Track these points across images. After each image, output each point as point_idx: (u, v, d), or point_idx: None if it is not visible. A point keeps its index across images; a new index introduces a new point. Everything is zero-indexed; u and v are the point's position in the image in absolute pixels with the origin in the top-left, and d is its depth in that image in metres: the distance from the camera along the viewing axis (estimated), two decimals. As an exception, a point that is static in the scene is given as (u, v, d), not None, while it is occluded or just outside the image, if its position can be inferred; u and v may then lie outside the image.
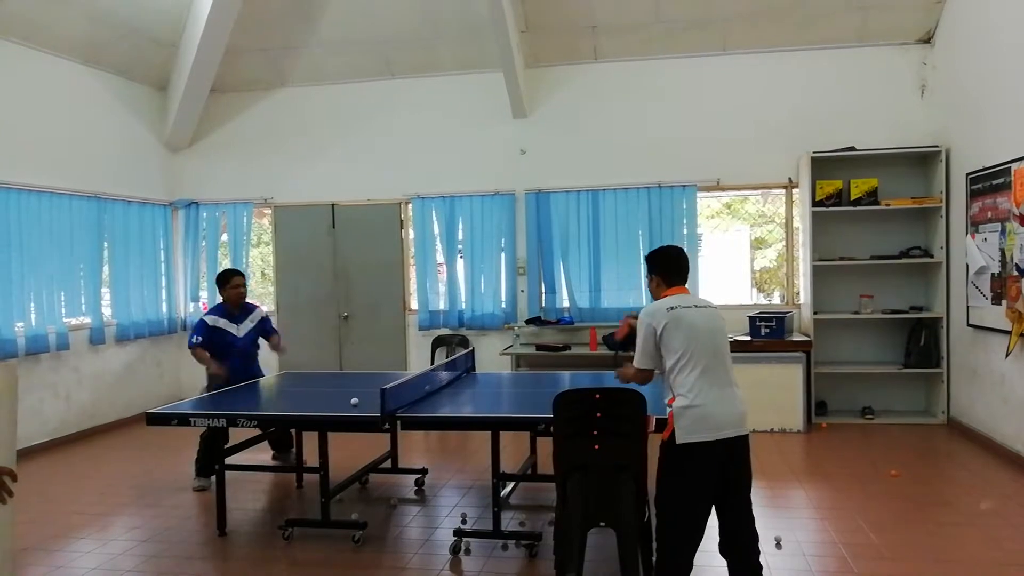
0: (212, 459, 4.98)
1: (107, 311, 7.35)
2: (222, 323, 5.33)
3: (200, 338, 5.24)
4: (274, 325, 5.80)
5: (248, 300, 5.58)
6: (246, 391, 5.01)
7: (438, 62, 7.65)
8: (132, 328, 7.51)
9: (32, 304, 6.45)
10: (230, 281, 5.41)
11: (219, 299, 5.51)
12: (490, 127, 7.64)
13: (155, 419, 4.24)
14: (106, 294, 7.36)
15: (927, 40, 6.85)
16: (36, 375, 6.46)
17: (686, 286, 3.20)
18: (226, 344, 5.30)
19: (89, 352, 7.06)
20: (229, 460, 4.62)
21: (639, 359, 3.06)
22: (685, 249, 7.21)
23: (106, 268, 7.32)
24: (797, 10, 6.79)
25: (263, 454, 5.68)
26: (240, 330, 5.39)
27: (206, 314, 5.43)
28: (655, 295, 3.23)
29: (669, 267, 3.20)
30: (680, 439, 2.90)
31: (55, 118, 6.78)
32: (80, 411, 6.92)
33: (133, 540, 4.28)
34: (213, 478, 4.81)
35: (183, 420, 4.19)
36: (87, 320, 7.07)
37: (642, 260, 7.17)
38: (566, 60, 7.49)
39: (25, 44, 6.41)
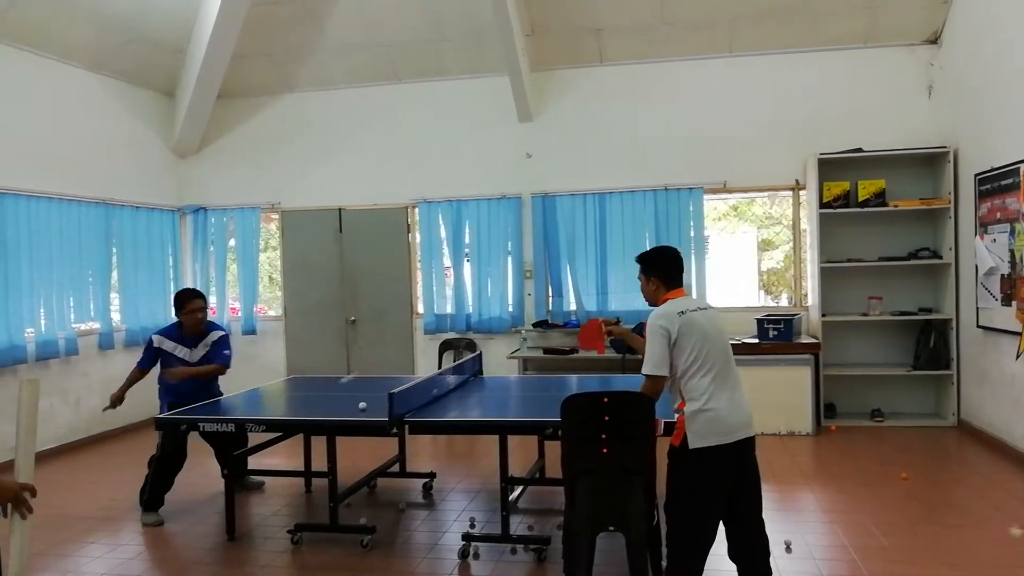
0: (163, 488, 4.73)
1: (116, 316, 7.38)
2: (168, 345, 4.87)
3: (142, 359, 4.92)
4: (229, 351, 5.02)
5: (212, 320, 5.10)
6: (253, 397, 5.02)
7: (444, 66, 7.67)
8: (141, 333, 7.52)
9: (42, 310, 6.48)
10: (187, 305, 4.87)
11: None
12: (496, 131, 7.65)
13: (164, 424, 4.25)
14: (115, 299, 7.40)
15: (934, 40, 6.83)
16: (46, 380, 6.48)
17: (683, 288, 3.17)
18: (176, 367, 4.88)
19: (99, 357, 7.09)
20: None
21: (653, 367, 2.94)
22: (691, 252, 7.27)
23: (115, 274, 7.36)
24: (803, 11, 6.78)
25: (270, 458, 5.68)
26: (193, 354, 4.91)
27: (156, 332, 4.99)
28: (652, 298, 3.17)
29: (670, 269, 3.14)
30: (693, 444, 2.87)
31: (63, 125, 6.82)
32: (90, 416, 6.95)
33: (142, 545, 4.30)
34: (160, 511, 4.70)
35: (192, 425, 4.21)
36: (96, 325, 7.10)
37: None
38: (571, 63, 7.49)
39: (33, 51, 6.46)
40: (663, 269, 3.15)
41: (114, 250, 7.33)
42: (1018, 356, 5.32)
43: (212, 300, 8.32)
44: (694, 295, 6.85)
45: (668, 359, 2.94)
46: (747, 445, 2.94)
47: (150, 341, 4.95)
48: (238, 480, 4.95)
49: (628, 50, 7.30)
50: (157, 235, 7.92)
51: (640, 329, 7.19)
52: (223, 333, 5.05)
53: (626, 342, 3.72)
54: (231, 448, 4.79)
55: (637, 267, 3.27)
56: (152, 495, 4.71)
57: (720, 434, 2.86)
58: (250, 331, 8.12)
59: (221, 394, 5.08)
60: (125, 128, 7.58)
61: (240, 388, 5.36)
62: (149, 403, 7.51)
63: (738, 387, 2.99)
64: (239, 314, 8.22)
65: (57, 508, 4.98)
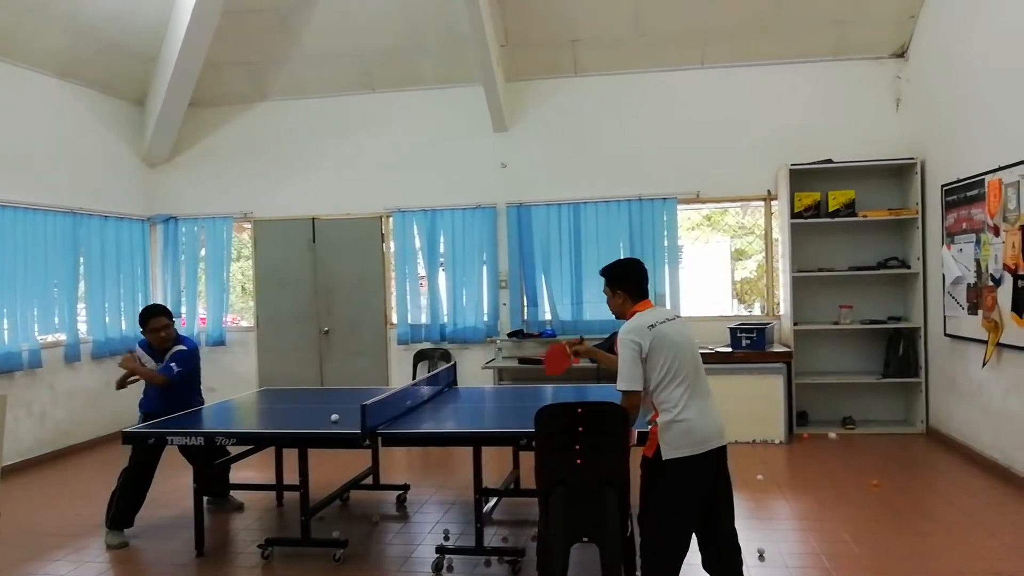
0: (132, 506, 4.56)
1: (83, 328, 7.24)
2: (145, 357, 4.79)
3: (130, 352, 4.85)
4: (177, 366, 4.68)
5: (182, 335, 4.89)
6: (224, 409, 4.95)
7: (419, 76, 7.66)
8: (108, 345, 7.40)
9: (5, 321, 6.33)
10: (149, 323, 4.74)
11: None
12: (471, 141, 7.65)
13: (131, 438, 4.17)
14: (82, 311, 7.25)
15: (901, 54, 6.96)
16: (9, 394, 6.26)
17: (649, 299, 3.16)
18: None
19: (64, 369, 6.95)
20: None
21: (628, 382, 2.93)
22: (665, 261, 7.30)
23: (82, 284, 7.22)
24: (775, 24, 6.88)
25: (241, 471, 5.59)
26: (159, 368, 4.74)
27: (139, 344, 4.90)
28: (619, 311, 3.16)
29: (635, 281, 3.14)
30: (667, 455, 2.88)
31: (31, 133, 6.70)
32: (55, 430, 6.80)
33: (109, 562, 4.21)
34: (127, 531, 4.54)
35: (160, 439, 4.13)
36: (62, 337, 6.96)
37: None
38: (546, 74, 7.52)
39: (1, 58, 6.34)
40: (628, 281, 3.15)
41: (81, 260, 7.19)
42: (984, 364, 5.41)
43: (183, 310, 8.20)
44: (668, 305, 6.89)
45: (641, 373, 2.94)
46: (720, 454, 2.96)
47: (133, 350, 4.88)
48: (220, 498, 5.10)
49: (603, 61, 7.35)
50: (126, 245, 7.79)
51: (609, 345, 7.19)
52: (181, 348, 4.75)
53: (594, 360, 3.73)
54: (211, 460, 4.65)
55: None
56: (119, 512, 4.52)
57: (694, 444, 2.87)
58: (219, 342, 8.03)
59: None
60: (94, 137, 7.46)
61: (210, 400, 5.28)
62: (116, 416, 7.41)
63: (709, 396, 3.01)
64: (207, 324, 8.12)
65: (21, 524, 4.85)
